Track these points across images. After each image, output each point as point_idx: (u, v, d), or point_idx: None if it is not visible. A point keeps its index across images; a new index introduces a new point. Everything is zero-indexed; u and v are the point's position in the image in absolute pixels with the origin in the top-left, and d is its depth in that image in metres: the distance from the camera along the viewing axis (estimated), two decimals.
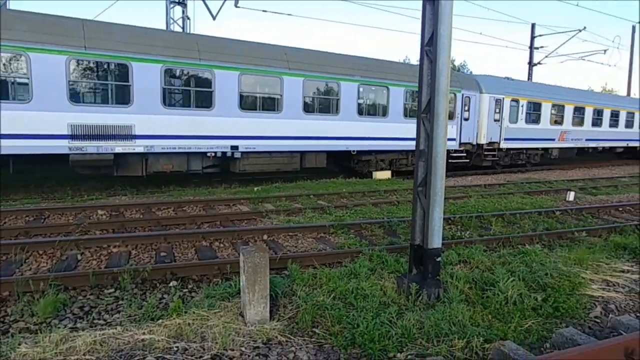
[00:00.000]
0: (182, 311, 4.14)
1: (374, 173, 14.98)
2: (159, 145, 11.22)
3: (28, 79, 9.62)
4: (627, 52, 35.68)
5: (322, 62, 13.76)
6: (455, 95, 16.78)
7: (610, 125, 24.32)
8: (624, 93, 37.07)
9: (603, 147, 24.39)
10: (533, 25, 29.67)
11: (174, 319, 4.01)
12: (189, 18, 16.08)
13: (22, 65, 9.62)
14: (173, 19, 16.00)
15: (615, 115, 24.53)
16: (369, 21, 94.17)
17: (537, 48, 29.85)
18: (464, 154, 17.70)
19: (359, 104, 14.35)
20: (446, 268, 5.34)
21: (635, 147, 26.90)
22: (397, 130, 15.32)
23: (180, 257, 6.23)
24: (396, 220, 8.03)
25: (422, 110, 4.66)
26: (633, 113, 25.92)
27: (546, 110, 20.36)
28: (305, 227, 7.63)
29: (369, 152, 15.17)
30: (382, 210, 9.39)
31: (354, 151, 14.53)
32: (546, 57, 29.71)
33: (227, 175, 13.51)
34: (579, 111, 22.15)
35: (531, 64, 29.76)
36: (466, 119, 17.35)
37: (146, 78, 10.79)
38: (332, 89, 13.87)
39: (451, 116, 16.63)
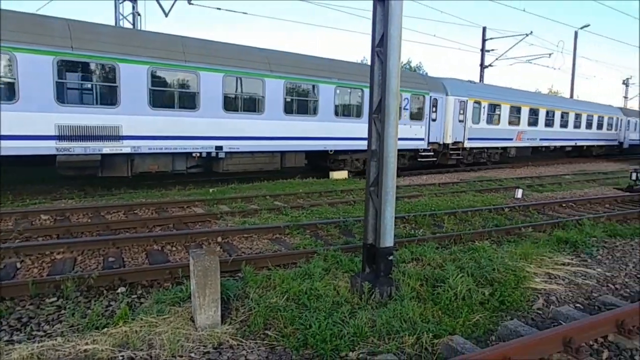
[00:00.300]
0: (129, 318, 3.98)
1: (330, 173, 15.08)
2: (145, 146, 11.27)
3: (14, 79, 9.45)
4: (570, 56, 37.82)
5: (301, 65, 14.14)
6: (424, 97, 17.50)
7: (561, 126, 25.99)
8: (567, 95, 39.25)
9: (555, 146, 26.07)
10: (484, 29, 30.81)
11: (120, 327, 3.85)
12: (139, 14, 15.54)
13: (8, 66, 9.44)
14: (122, 15, 15.41)
15: (565, 117, 26.26)
16: (324, 21, 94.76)
17: (488, 51, 31.00)
18: (432, 153, 18.47)
19: (336, 106, 14.80)
20: (399, 266, 5.43)
21: (582, 146, 28.89)
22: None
23: (130, 262, 6.00)
24: (352, 220, 8.10)
25: (374, 110, 4.71)
26: (580, 114, 27.75)
27: (505, 112, 21.65)
28: (261, 228, 7.55)
29: (345, 152, 15.64)
30: (338, 210, 9.44)
31: (331, 151, 14.91)
32: (496, 59, 30.91)
33: (204, 175, 13.47)
34: (533, 113, 23.58)
35: (483, 66, 30.88)
36: (434, 120, 18.14)
37: (133, 79, 10.82)
38: (311, 91, 14.26)
39: (420, 117, 17.44)
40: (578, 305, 4.73)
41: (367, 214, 4.79)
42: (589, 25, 34.46)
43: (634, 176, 14.46)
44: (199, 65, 11.74)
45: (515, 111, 22.38)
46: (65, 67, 10.13)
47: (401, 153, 17.43)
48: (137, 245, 6.60)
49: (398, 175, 18.30)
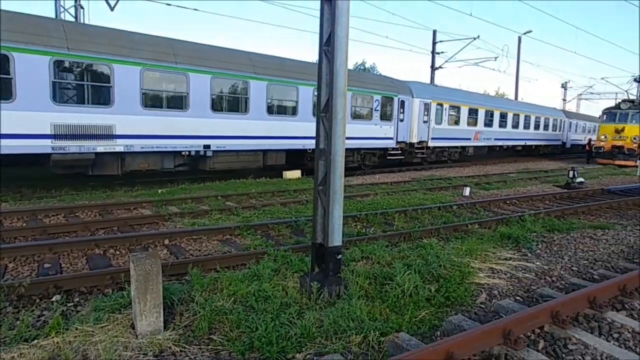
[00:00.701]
0: (63, 328, 3.74)
1: (284, 173, 15.03)
2: (138, 145, 11.55)
3: (12, 78, 9.55)
4: (514, 60, 39.68)
5: (283, 67, 14.79)
6: (392, 99, 18.56)
7: (513, 127, 28.00)
8: (512, 97, 41.17)
9: (507, 146, 28.12)
10: (434, 32, 31.70)
11: (52, 338, 3.61)
12: (82, 7, 14.75)
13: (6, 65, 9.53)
14: (64, 8, 14.58)
15: (516, 118, 28.31)
16: (275, 19, 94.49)
17: (438, 53, 31.93)
18: (400, 152, 19.45)
19: (314, 106, 15.25)
20: (349, 265, 5.45)
21: (531, 146, 31.08)
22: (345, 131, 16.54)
23: (68, 268, 5.67)
24: (304, 220, 8.06)
25: (322, 109, 4.68)
26: (529, 116, 29.95)
27: (464, 114, 23.14)
28: (211, 229, 7.36)
29: None
30: (290, 210, 9.39)
31: (309, 149, 15.42)
32: (446, 61, 31.89)
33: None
34: (489, 114, 25.30)
35: (433, 68, 31.78)
36: (401, 120, 19.15)
37: (126, 80, 11.10)
38: (292, 93, 14.94)
39: (389, 118, 18.45)
40: (518, 298, 4.92)
41: (315, 213, 4.77)
42: (531, 31, 36.32)
43: (571, 174, 15.38)
44: (189, 67, 12.18)
45: (473, 113, 23.89)
46: (61, 67, 10.29)
47: (372, 151, 18.46)
48: (77, 250, 6.24)
49: (365, 173, 18.13)
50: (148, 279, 3.77)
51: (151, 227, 7.97)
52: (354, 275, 4.98)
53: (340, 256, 4.66)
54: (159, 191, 11.36)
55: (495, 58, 31.03)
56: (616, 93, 44.50)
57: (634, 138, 25.54)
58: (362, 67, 49.68)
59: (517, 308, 4.41)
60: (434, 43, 31.66)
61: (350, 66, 46.67)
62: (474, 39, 29.39)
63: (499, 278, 5.49)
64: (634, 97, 29.09)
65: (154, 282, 3.80)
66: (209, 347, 3.66)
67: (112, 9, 14.95)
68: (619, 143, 25.89)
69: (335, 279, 4.62)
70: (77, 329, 3.73)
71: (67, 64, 10.40)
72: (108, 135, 10.96)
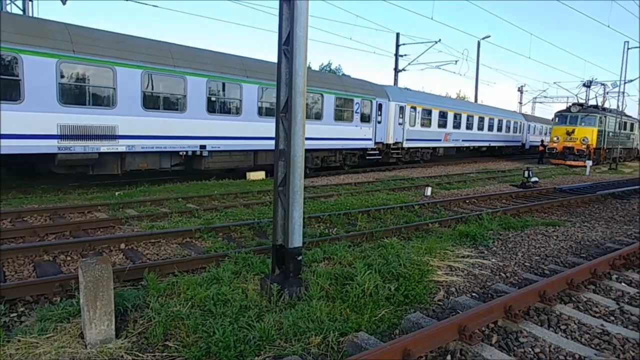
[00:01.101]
0: (4, 340, 3.52)
1: (247, 174, 14.88)
2: (139, 145, 11.92)
3: (20, 80, 9.77)
4: (474, 63, 40.96)
5: (273, 71, 14.45)
6: (371, 102, 19.58)
7: (478, 129, 29.64)
8: (472, 99, 42.46)
9: (473, 147, 29.81)
10: (398, 35, 32.25)
11: None
12: (31, 0, 14.05)
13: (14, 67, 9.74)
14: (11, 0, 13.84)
15: (481, 121, 29.97)
16: (233, 17, 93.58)
17: (401, 56, 32.50)
18: (377, 152, 20.42)
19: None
20: (310, 266, 5.43)
21: (495, 147, 32.85)
22: (328, 132, 17.54)
23: (13, 276, 5.36)
24: (266, 221, 7.98)
25: (281, 109, 4.65)
26: (493, 119, 31.80)
27: (435, 116, 24.51)
28: (170, 232, 7.16)
29: (307, 151, 16.40)
30: (253, 211, 9.28)
31: None
32: (409, 64, 32.68)
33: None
34: (457, 117, 26.79)
35: (397, 70, 32.33)
36: (379, 122, 20.14)
37: (128, 82, 11.49)
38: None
39: (368, 120, 19.38)
40: (474, 294, 5.05)
41: (275, 214, 4.72)
42: (489, 36, 37.66)
43: (526, 174, 16.00)
44: (187, 70, 12.65)
45: (443, 116, 25.32)
46: (67, 69, 10.50)
47: (353, 152, 19.37)
48: (24, 257, 5.92)
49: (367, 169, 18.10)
50: (98, 286, 3.61)
51: (107, 231, 7.68)
52: (315, 276, 4.96)
53: (300, 257, 4.63)
54: (116, 193, 10.98)
55: (456, 61, 32.20)
56: (567, 97, 46.90)
57: (583, 139, 26.88)
58: (328, 69, 49.89)
59: (472, 304, 4.52)
60: (397, 46, 32.21)
61: (316, 67, 47.04)
62: (436, 42, 30.14)
63: (456, 275, 5.61)
64: (583, 101, 30.59)
65: (104, 289, 3.64)
66: (164, 354, 3.55)
67: (63, 2, 14.32)
68: (570, 144, 27.17)
69: (295, 280, 4.59)
70: (19, 340, 3.52)
71: (72, 67, 10.63)
72: (111, 135, 11.27)
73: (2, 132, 9.64)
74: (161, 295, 4.45)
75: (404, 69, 32.63)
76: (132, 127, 11.68)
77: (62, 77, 10.39)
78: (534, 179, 16.08)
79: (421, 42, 32.25)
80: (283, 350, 3.62)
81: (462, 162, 28.11)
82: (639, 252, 6.47)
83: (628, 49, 28.16)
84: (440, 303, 4.77)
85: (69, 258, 6.09)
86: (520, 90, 56.68)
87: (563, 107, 32.87)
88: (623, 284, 5.40)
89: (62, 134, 10.43)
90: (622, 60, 27.95)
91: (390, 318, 4.30)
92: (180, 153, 12.90)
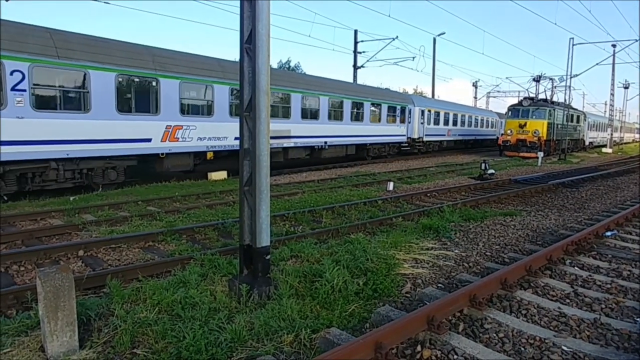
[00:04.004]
0: None
1: (209, 174, 14.62)
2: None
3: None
4: (430, 60, 41.97)
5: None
6: (405, 108, 26.30)
7: (468, 126, 36.34)
8: (429, 95, 43.63)
9: (465, 140, 36.25)
10: (356, 32, 32.58)
11: None
12: None
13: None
14: None
15: (470, 119, 36.89)
16: (195, 16, 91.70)
17: (360, 52, 32.88)
18: (407, 145, 27.38)
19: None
20: (278, 264, 5.42)
21: (479, 140, 39.26)
22: (383, 131, 24.22)
23: None
24: (231, 221, 7.88)
25: (244, 108, 4.59)
26: (478, 117, 38.73)
27: (442, 117, 31.32)
28: (131, 236, 6.94)
29: (373, 144, 23.55)
30: (217, 212, 9.13)
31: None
32: (368, 61, 32.96)
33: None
34: (455, 116, 33.45)
35: (355, 67, 32.66)
36: (409, 123, 26.82)
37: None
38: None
39: (403, 121, 26.12)
40: (440, 285, 5.20)
41: (242, 214, 4.67)
42: (444, 33, 38.60)
43: (483, 166, 16.59)
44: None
45: (446, 116, 31.97)
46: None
47: (395, 145, 26.14)
48: None
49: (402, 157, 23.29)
50: (59, 296, 3.46)
51: (63, 238, 7.34)
52: (283, 274, 4.95)
53: (269, 256, 4.61)
54: (71, 199, 10.50)
55: (413, 58, 33.11)
56: (519, 91, 49.06)
57: (535, 132, 28.16)
58: (287, 66, 49.68)
59: (439, 295, 4.66)
60: (356, 43, 32.53)
61: (275, 65, 46.76)
62: (393, 39, 30.74)
63: (422, 268, 5.76)
64: (534, 95, 32.04)
65: (65, 298, 3.49)
66: None
67: None
68: (523, 137, 28.41)
69: (264, 280, 4.56)
70: None
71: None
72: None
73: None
74: (126, 302, 4.31)
75: (362, 66, 33.05)
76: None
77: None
78: (491, 171, 16.68)
79: (379, 39, 32.83)
80: (255, 350, 3.60)
81: (422, 157, 28.83)
82: (589, 237, 6.88)
83: (573, 45, 29.76)
84: (408, 295, 4.88)
85: (22, 268, 5.79)
86: (475, 85, 58.68)
87: (515, 101, 34.80)
88: (576, 268, 5.72)
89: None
90: (568, 56, 29.60)
91: (360, 312, 4.36)
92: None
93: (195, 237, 7.34)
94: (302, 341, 3.71)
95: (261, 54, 4.42)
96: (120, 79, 12.01)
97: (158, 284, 4.67)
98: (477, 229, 7.95)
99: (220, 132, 14.87)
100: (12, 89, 9.97)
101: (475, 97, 58.66)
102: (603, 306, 4.50)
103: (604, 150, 41.72)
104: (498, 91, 56.47)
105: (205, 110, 14.60)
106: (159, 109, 13.03)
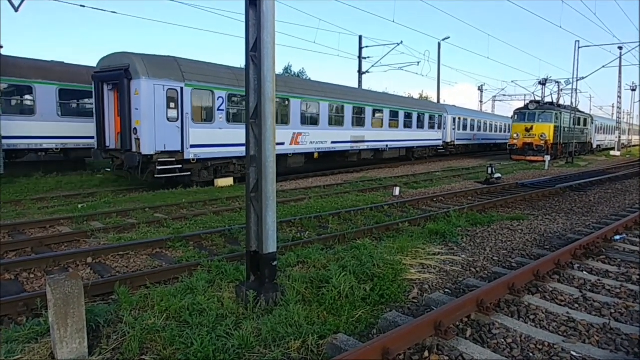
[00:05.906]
0: None
1: (215, 181, 14.69)
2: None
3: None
4: (435, 64, 41.99)
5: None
6: (441, 116, 30.41)
7: (490, 131, 40.50)
8: (435, 99, 43.62)
9: (487, 144, 40.26)
10: (360, 38, 32.70)
11: None
12: None
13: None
14: None
15: (492, 124, 41.02)
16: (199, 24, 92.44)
17: (365, 58, 32.97)
18: (442, 148, 31.26)
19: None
20: (285, 270, 5.43)
21: (499, 144, 41.43)
22: (425, 135, 28.60)
23: None
24: (238, 228, 7.91)
25: (250, 115, 4.63)
26: (497, 123, 42.58)
27: (469, 123, 35.51)
28: (139, 243, 6.99)
29: (417, 147, 28.00)
30: (224, 218, 9.17)
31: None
32: (372, 66, 33.26)
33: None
34: (479, 122, 37.72)
35: (360, 72, 32.74)
36: (444, 129, 30.93)
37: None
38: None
39: (440, 127, 30.27)
40: (447, 290, 5.18)
41: (248, 220, 4.70)
42: (449, 38, 39.04)
43: (489, 170, 16.53)
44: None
45: (473, 122, 36.31)
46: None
47: (433, 148, 30.12)
48: None
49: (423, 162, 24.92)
50: (68, 303, 3.49)
51: (71, 246, 7.41)
52: (290, 280, 4.96)
53: (275, 262, 4.63)
54: (79, 206, 10.60)
55: (418, 63, 33.30)
56: (525, 95, 48.90)
57: (541, 135, 28.02)
58: (289, 72, 49.92)
59: (446, 300, 4.65)
60: (360, 48, 32.64)
61: (280, 71, 46.96)
62: (398, 44, 30.79)
63: (429, 273, 5.74)
64: (540, 99, 31.91)
65: (75, 305, 3.52)
66: None
67: (16, 9, 13.73)
68: (529, 140, 28.27)
69: (271, 286, 4.58)
70: None
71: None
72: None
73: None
74: (134, 309, 4.35)
75: (367, 71, 33.14)
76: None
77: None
78: (497, 175, 16.62)
79: (384, 44, 33.00)
80: (263, 356, 3.60)
81: (427, 162, 28.79)
82: (597, 241, 6.83)
83: (579, 47, 29.64)
84: (415, 301, 4.87)
85: (32, 275, 5.85)
86: (481, 89, 58.61)
87: (521, 104, 34.76)
88: (584, 272, 5.68)
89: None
90: (574, 58, 29.42)
91: (367, 318, 4.36)
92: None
93: (202, 243, 7.38)
94: (309, 347, 3.71)
95: (267, 61, 4.46)
96: (277, 100, 14.73)
97: (166, 290, 4.70)
98: (484, 233, 7.92)
99: (323, 137, 19.00)
100: (218, 109, 14.71)
101: (481, 101, 58.56)
102: (612, 311, 4.46)
103: (612, 153, 41.36)
104: (504, 95, 56.31)
105: (315, 121, 18.77)
106: (290, 121, 17.25)
